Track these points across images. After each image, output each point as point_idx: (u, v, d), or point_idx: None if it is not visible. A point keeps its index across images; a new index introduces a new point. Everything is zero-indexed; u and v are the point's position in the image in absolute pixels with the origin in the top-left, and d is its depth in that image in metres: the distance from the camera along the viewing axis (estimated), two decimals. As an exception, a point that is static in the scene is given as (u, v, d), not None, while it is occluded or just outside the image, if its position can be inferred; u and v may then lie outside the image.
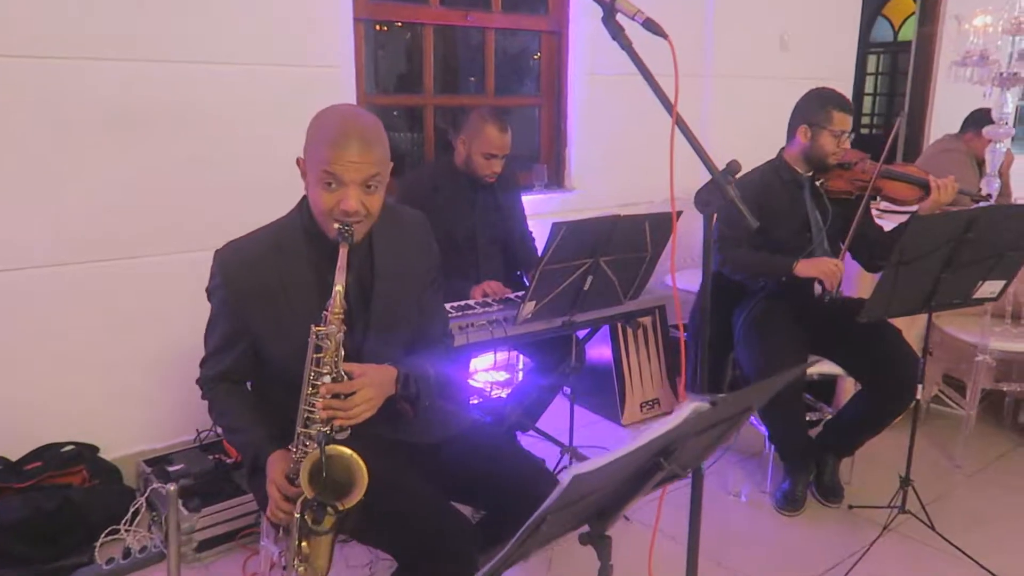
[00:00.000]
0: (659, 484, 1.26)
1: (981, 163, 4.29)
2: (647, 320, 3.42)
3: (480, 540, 1.62)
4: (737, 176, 1.55)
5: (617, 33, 1.40)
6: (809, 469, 2.80)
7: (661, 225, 2.37)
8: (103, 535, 2.39)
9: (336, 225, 1.50)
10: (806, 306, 2.76)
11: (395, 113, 3.62)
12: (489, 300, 2.59)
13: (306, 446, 1.51)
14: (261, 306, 1.61)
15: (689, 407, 1.05)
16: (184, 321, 2.75)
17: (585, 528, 1.26)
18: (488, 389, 3.20)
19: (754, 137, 4.38)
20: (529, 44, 3.88)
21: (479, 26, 3.52)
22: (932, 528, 2.46)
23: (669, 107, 1.36)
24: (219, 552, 2.45)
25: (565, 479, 0.92)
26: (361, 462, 1.45)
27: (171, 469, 2.55)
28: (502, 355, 3.35)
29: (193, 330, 2.72)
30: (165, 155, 2.65)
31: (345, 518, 1.47)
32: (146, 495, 2.51)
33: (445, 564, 1.54)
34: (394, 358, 1.66)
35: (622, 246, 2.32)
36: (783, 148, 2.84)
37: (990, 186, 3.46)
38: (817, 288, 2.79)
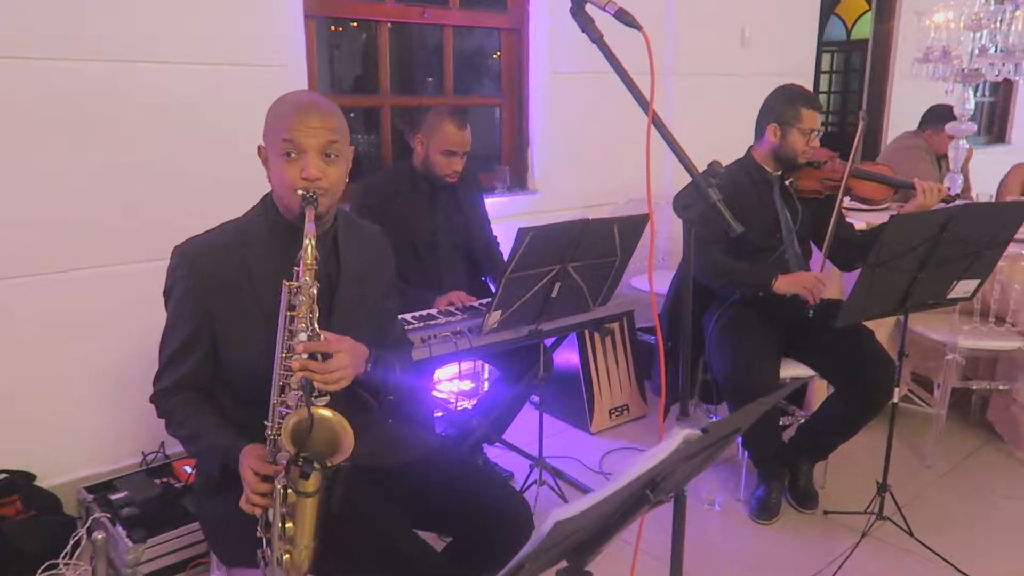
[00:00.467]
0: (640, 515, 1.16)
1: (940, 158, 4.31)
2: (615, 325, 3.34)
3: (446, 570, 1.53)
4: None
5: (587, 25, 1.30)
6: (783, 475, 2.74)
7: (630, 228, 2.28)
8: (40, 570, 2.22)
9: (299, 192, 1.46)
10: (777, 311, 2.70)
11: (352, 115, 3.48)
12: (453, 309, 2.48)
13: (283, 418, 1.40)
14: (225, 299, 1.52)
15: (679, 436, 0.95)
16: (128, 337, 2.60)
17: (563, 564, 1.16)
18: (452, 400, 3.08)
19: (717, 134, 4.33)
20: (485, 43, 3.77)
21: (436, 23, 3.39)
22: (910, 534, 2.41)
23: (644, 104, 1.26)
24: (168, 585, 2.29)
25: (546, 525, 0.81)
26: (346, 423, 1.38)
27: (114, 497, 2.38)
28: (467, 364, 3.24)
29: (138, 346, 2.59)
30: (109, 159, 2.48)
31: (331, 487, 1.38)
32: (87, 525, 2.34)
33: None
34: None
35: (591, 251, 2.23)
36: (751, 147, 2.78)
37: (954, 183, 3.45)
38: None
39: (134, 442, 2.66)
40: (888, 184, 2.67)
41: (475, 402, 2.96)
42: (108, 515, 2.32)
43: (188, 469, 2.56)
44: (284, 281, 1.43)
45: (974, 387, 3.16)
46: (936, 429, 3.05)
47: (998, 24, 3.38)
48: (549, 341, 2.67)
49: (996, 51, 3.22)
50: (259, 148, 1.57)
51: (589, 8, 1.30)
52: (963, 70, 3.32)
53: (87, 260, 2.50)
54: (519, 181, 3.76)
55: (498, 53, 3.69)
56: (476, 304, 2.53)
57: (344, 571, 1.50)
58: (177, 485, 2.50)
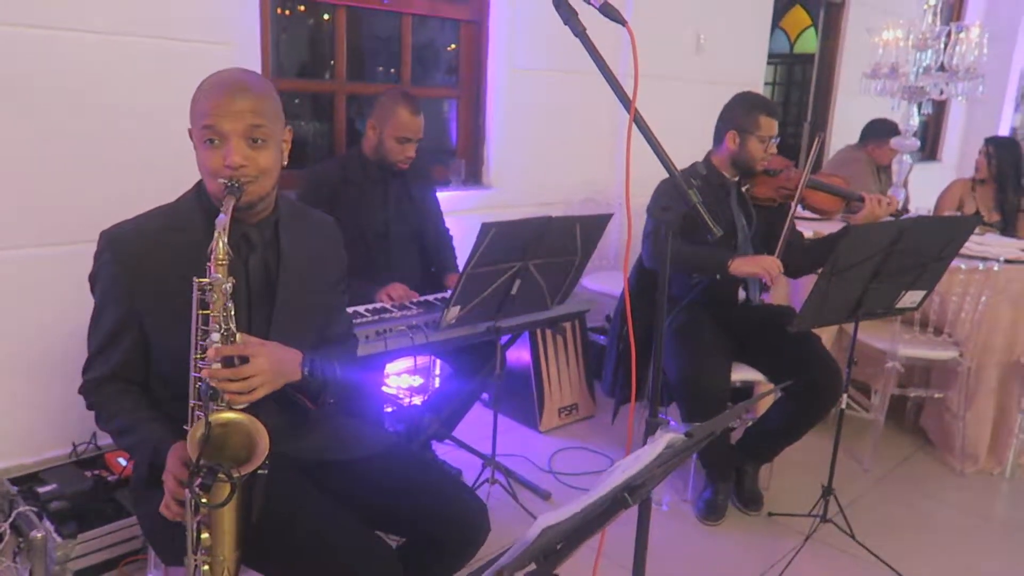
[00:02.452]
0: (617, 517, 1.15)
1: (880, 170, 4.46)
2: (567, 324, 3.33)
3: (395, 570, 1.48)
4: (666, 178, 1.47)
5: (570, 17, 1.28)
6: (730, 476, 2.77)
7: (592, 227, 2.27)
8: (-42, 567, 2.09)
9: (222, 181, 1.38)
10: (729, 314, 2.74)
11: (296, 101, 3.37)
12: (407, 303, 2.43)
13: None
14: (154, 286, 1.44)
15: (663, 439, 0.93)
16: (57, 321, 2.46)
17: (532, 567, 1.13)
18: (402, 396, 3.03)
19: (671, 137, 4.37)
20: (443, 34, 3.72)
21: (396, 11, 3.32)
22: (852, 537, 2.47)
23: (626, 102, 1.24)
24: (99, 583, 2.18)
25: (533, 531, 0.78)
26: (260, 426, 1.29)
27: (42, 490, 2.25)
28: (420, 360, 3.19)
29: (66, 330, 2.46)
30: (37, 133, 2.34)
31: (250, 496, 1.31)
32: (11, 519, 2.21)
33: None
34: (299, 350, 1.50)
35: (553, 249, 2.21)
36: (710, 152, 2.80)
37: (897, 196, 3.56)
38: (741, 294, 2.77)
39: (63, 432, 2.52)
40: (841, 196, 2.73)
41: (425, 398, 2.91)
42: (35, 509, 2.20)
43: (122, 461, 2.45)
44: (194, 278, 1.33)
45: (911, 394, 3.26)
46: (874, 434, 3.14)
47: (943, 45, 3.50)
48: (504, 339, 2.64)
49: (940, 70, 3.33)
50: (189, 131, 1.47)
51: (573, 1, 1.27)
52: (909, 87, 3.43)
53: (8, 241, 2.35)
54: (474, 176, 3.72)
55: (453, 45, 3.64)
56: (430, 299, 2.49)
57: (286, 573, 1.44)
58: (110, 478, 2.38)
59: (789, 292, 3.36)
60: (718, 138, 2.76)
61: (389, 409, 2.82)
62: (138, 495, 1.58)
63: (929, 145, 7.86)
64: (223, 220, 1.32)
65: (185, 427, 1.34)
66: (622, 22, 1.24)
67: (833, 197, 2.74)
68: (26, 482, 2.34)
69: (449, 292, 2.59)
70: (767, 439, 2.76)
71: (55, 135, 2.37)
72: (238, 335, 1.35)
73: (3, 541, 2.18)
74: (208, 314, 1.33)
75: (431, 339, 2.21)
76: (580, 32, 1.27)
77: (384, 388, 2.93)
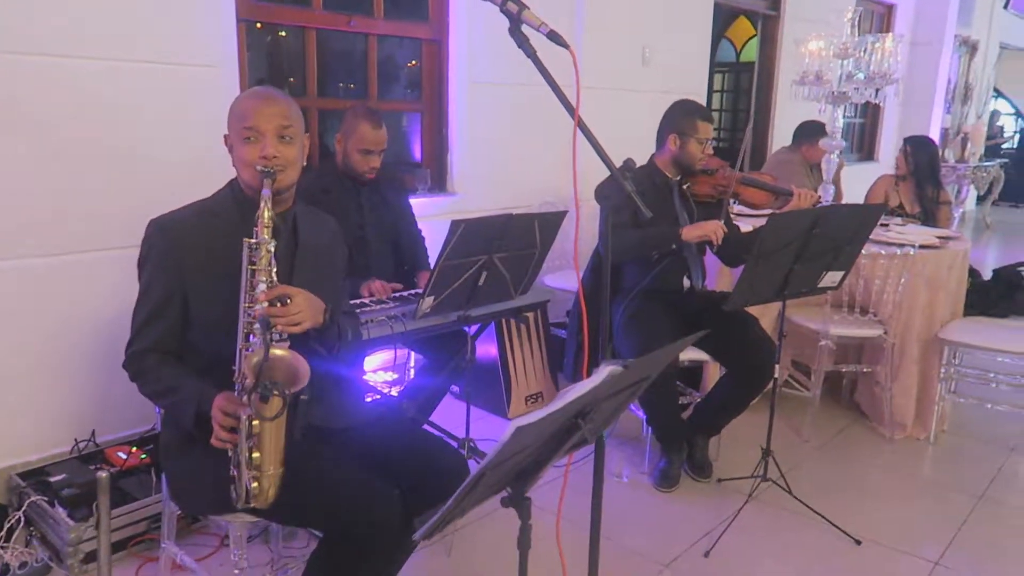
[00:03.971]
0: (569, 449, 1.40)
1: (812, 169, 4.82)
2: (530, 315, 3.59)
3: (397, 510, 1.70)
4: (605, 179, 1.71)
5: (523, 42, 1.54)
6: (682, 449, 3.05)
7: (549, 223, 2.54)
8: (-25, 556, 2.26)
9: (259, 168, 1.66)
10: (676, 301, 3.03)
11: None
12: (383, 297, 2.67)
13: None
14: (199, 260, 1.72)
15: (605, 370, 1.19)
16: (55, 329, 2.66)
17: (505, 493, 1.38)
18: (381, 388, 3.25)
19: (620, 144, 4.67)
20: (407, 51, 3.98)
21: (362, 32, 3.57)
22: (790, 493, 2.76)
23: (571, 110, 1.50)
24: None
25: (508, 431, 1.03)
26: (301, 358, 1.56)
27: (53, 480, 2.44)
28: (389, 354, 3.42)
29: (65, 337, 2.66)
30: (39, 152, 2.54)
31: (292, 417, 1.57)
32: (23, 509, 2.39)
33: (375, 533, 1.63)
34: None
35: (514, 243, 2.47)
36: (654, 155, 3.10)
37: (827, 192, 3.90)
38: (686, 282, 3.06)
39: (65, 430, 2.70)
40: (770, 191, 3.04)
41: (402, 388, 3.15)
42: (46, 499, 2.38)
43: (122, 455, 2.64)
44: (244, 239, 1.62)
45: (844, 370, 3.59)
46: (812, 409, 3.45)
47: (862, 53, 3.86)
48: (472, 329, 2.89)
49: (862, 77, 3.68)
50: (224, 137, 1.77)
51: (524, 28, 1.53)
52: (833, 92, 3.77)
53: (11, 251, 2.54)
54: (439, 183, 3.97)
55: (413, 62, 3.90)
56: (404, 293, 2.73)
57: (310, 517, 1.69)
58: (112, 470, 2.57)
59: (732, 282, 3.66)
60: (660, 141, 3.06)
61: (371, 398, 3.05)
62: (169, 455, 1.80)
63: (866, 147, 8.32)
64: (267, 193, 1.63)
65: (232, 367, 1.62)
66: (565, 46, 1.50)
67: (763, 192, 3.05)
68: (33, 476, 2.52)
69: (421, 288, 2.84)
70: (714, 413, 3.05)
71: (56, 154, 2.58)
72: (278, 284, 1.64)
73: (16, 532, 2.37)
74: (255, 268, 1.61)
75: (409, 328, 2.45)
76: (532, 54, 1.53)
77: (365, 379, 3.15)
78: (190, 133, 2.85)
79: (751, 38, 8.64)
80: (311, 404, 1.78)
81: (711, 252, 3.07)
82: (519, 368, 3.62)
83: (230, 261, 1.65)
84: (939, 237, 3.64)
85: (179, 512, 1.96)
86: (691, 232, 2.84)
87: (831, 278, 2.65)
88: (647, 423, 3.05)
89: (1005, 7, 9.36)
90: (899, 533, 2.69)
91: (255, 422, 1.52)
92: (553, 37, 1.50)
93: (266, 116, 1.69)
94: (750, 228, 3.58)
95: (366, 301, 2.61)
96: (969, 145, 8.99)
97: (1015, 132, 12.95)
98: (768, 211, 3.47)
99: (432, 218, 3.57)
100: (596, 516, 1.73)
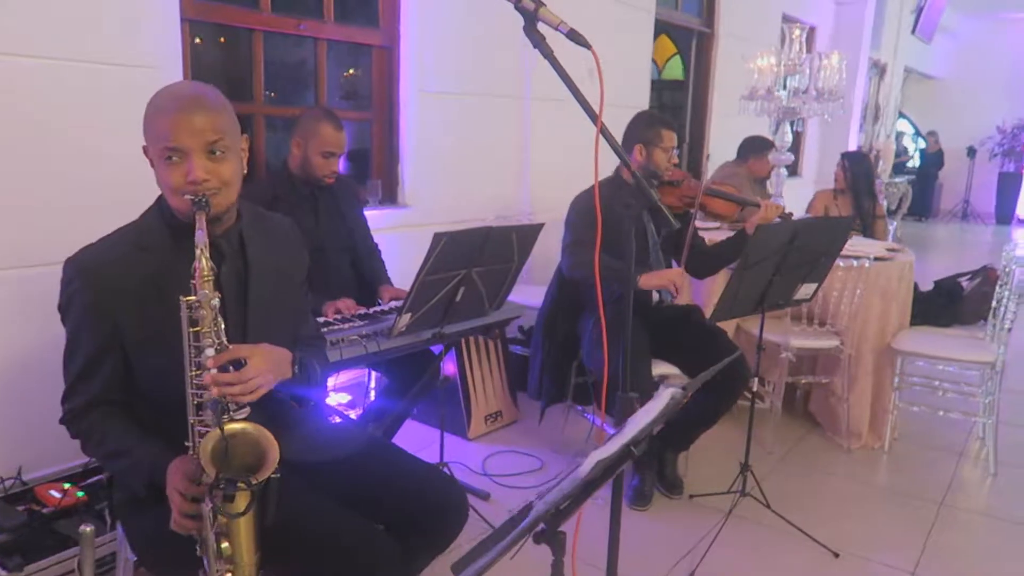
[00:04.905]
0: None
1: (757, 182, 4.91)
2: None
3: (392, 550, 1.56)
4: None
5: (539, 42, 1.44)
6: (653, 465, 3.00)
7: (527, 236, 2.44)
8: None
9: (188, 197, 1.40)
10: (646, 314, 2.98)
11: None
12: (350, 316, 2.51)
13: (203, 437, 1.34)
14: (130, 307, 1.46)
15: (666, 394, 1.10)
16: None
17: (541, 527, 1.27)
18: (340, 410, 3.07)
19: (569, 156, 4.64)
20: (358, 58, 3.82)
21: (311, 36, 3.40)
22: (769, 508, 2.74)
23: (593, 117, 1.43)
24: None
25: (588, 464, 0.92)
26: (268, 433, 1.34)
27: (-21, 526, 2.16)
28: (344, 375, 3.24)
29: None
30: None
31: (264, 501, 1.34)
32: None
33: None
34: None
35: (493, 257, 2.36)
36: (619, 167, 3.04)
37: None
38: (655, 296, 3.02)
39: (-13, 469, 2.42)
40: (737, 202, 3.04)
41: (362, 411, 2.98)
42: (-31, 547, 2.11)
43: (55, 494, 2.37)
44: (180, 297, 1.35)
45: (802, 381, 3.62)
46: (774, 419, 3.46)
47: (808, 70, 3.95)
48: (437, 349, 2.76)
49: (813, 94, 3.76)
50: (144, 148, 1.48)
51: (541, 27, 1.43)
52: (782, 108, 3.83)
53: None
54: (390, 195, 3.82)
55: (351, 70, 3.75)
56: (369, 311, 2.58)
57: (306, 567, 1.50)
58: (43, 511, 2.30)
59: (691, 292, 3.65)
60: (626, 152, 3.01)
61: (336, 420, 2.87)
62: (127, 516, 1.59)
63: (792, 163, 8.61)
64: (202, 237, 1.35)
65: (186, 443, 1.38)
66: (587, 46, 1.41)
67: (729, 203, 3.04)
68: (-47, 521, 2.23)
69: (385, 303, 2.70)
70: (684, 428, 3.00)
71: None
72: (228, 346, 1.39)
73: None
74: (199, 331, 1.35)
75: (383, 347, 2.30)
76: (548, 54, 1.43)
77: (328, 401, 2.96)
78: (125, 139, 2.60)
79: (672, 56, 8.84)
80: (288, 438, 1.61)
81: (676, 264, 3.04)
82: (478, 386, 3.49)
83: (169, 297, 1.38)
84: (888, 249, 3.73)
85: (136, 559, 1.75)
86: (650, 281, 2.79)
87: (805, 290, 2.66)
88: (619, 440, 2.97)
89: (912, 32, 9.88)
90: (871, 543, 2.70)
91: (222, 519, 1.32)
92: (573, 36, 1.41)
93: (189, 131, 1.39)
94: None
95: (332, 320, 2.44)
96: (881, 162, 9.42)
97: (915, 151, 13.73)
98: (733, 223, 3.48)
99: (383, 231, 3.42)
100: (613, 555, 1.64)
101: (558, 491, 0.98)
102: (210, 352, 1.35)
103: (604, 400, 2.76)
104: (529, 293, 3.46)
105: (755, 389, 2.75)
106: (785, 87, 3.94)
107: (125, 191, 2.51)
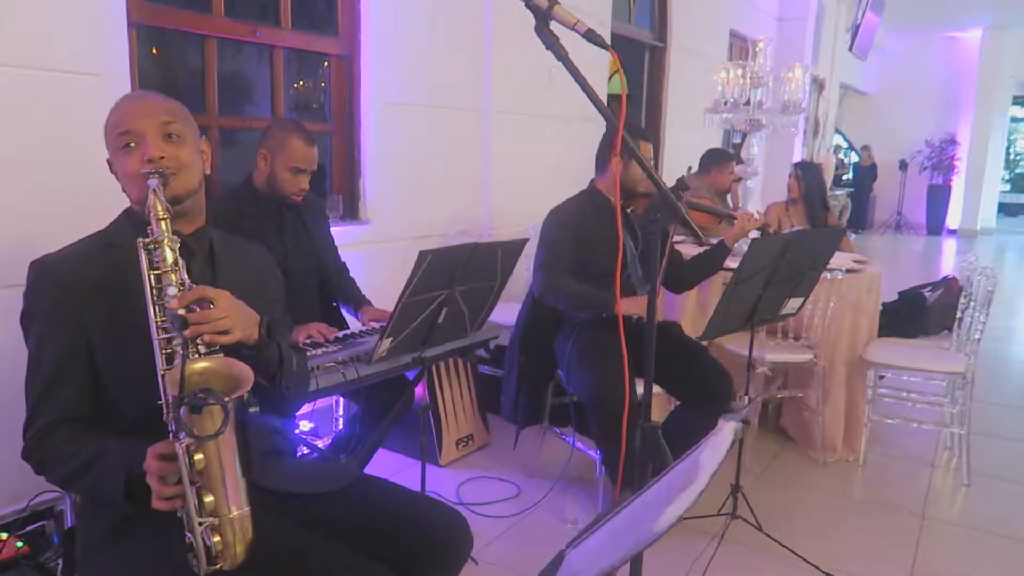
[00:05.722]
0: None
1: (717, 194, 4.90)
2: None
3: None
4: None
5: (552, 43, 1.33)
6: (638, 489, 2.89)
7: (511, 252, 2.32)
8: None
9: (144, 173, 1.37)
10: (624, 331, 2.88)
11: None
12: (321, 341, 2.34)
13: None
14: (96, 303, 1.38)
15: (729, 430, 0.99)
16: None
17: None
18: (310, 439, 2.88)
19: (528, 167, 4.55)
20: (310, 70, 3.65)
21: (267, 44, 3.22)
22: (761, 530, 2.66)
23: (614, 125, 1.31)
24: None
25: (664, 520, 0.80)
26: (238, 361, 1.26)
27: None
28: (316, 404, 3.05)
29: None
30: None
31: (245, 447, 1.23)
32: None
33: None
34: None
35: (476, 275, 2.23)
36: (594, 179, 2.96)
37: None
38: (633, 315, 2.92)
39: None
40: (714, 213, 2.98)
41: (329, 440, 2.80)
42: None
43: (3, 535, 2.14)
44: (139, 239, 1.30)
45: (777, 396, 3.58)
46: (751, 434, 3.40)
47: (771, 83, 3.95)
48: (412, 374, 2.61)
49: (779, 107, 3.76)
50: (108, 163, 1.47)
51: (555, 27, 1.32)
52: (749, 120, 3.82)
53: None
54: (351, 211, 3.65)
55: (302, 82, 3.58)
56: (340, 335, 2.42)
57: None
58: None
59: (664, 308, 3.58)
60: (602, 166, 2.93)
61: (306, 451, 2.68)
62: (92, 553, 1.42)
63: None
64: (154, 183, 1.33)
65: (159, 402, 1.27)
66: (606, 47, 1.31)
67: (707, 215, 2.98)
68: None
69: (365, 326, 2.54)
70: (670, 446, 2.91)
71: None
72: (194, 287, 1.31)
73: None
74: (160, 272, 1.30)
75: (362, 374, 2.14)
76: (563, 57, 1.32)
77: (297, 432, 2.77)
78: (67, 151, 2.40)
79: (615, 72, 8.90)
80: (270, 465, 1.48)
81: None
82: (449, 410, 3.34)
83: (139, 297, 1.30)
84: (855, 261, 3.74)
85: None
86: (631, 307, 2.69)
87: (792, 304, 2.60)
88: (601, 462, 2.86)
89: (850, 49, 10.18)
90: (861, 560, 2.65)
91: (197, 455, 1.18)
92: (591, 37, 1.30)
93: (143, 115, 1.41)
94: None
95: (304, 345, 2.27)
96: (823, 175, 9.64)
97: (849, 165, 14.16)
98: (691, 238, 3.43)
99: (345, 248, 3.25)
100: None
101: (616, 553, 0.85)
102: (173, 291, 1.29)
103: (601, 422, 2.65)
104: (503, 311, 3.33)
105: (745, 407, 2.67)
106: (749, 102, 3.93)
107: (67, 208, 2.31)
